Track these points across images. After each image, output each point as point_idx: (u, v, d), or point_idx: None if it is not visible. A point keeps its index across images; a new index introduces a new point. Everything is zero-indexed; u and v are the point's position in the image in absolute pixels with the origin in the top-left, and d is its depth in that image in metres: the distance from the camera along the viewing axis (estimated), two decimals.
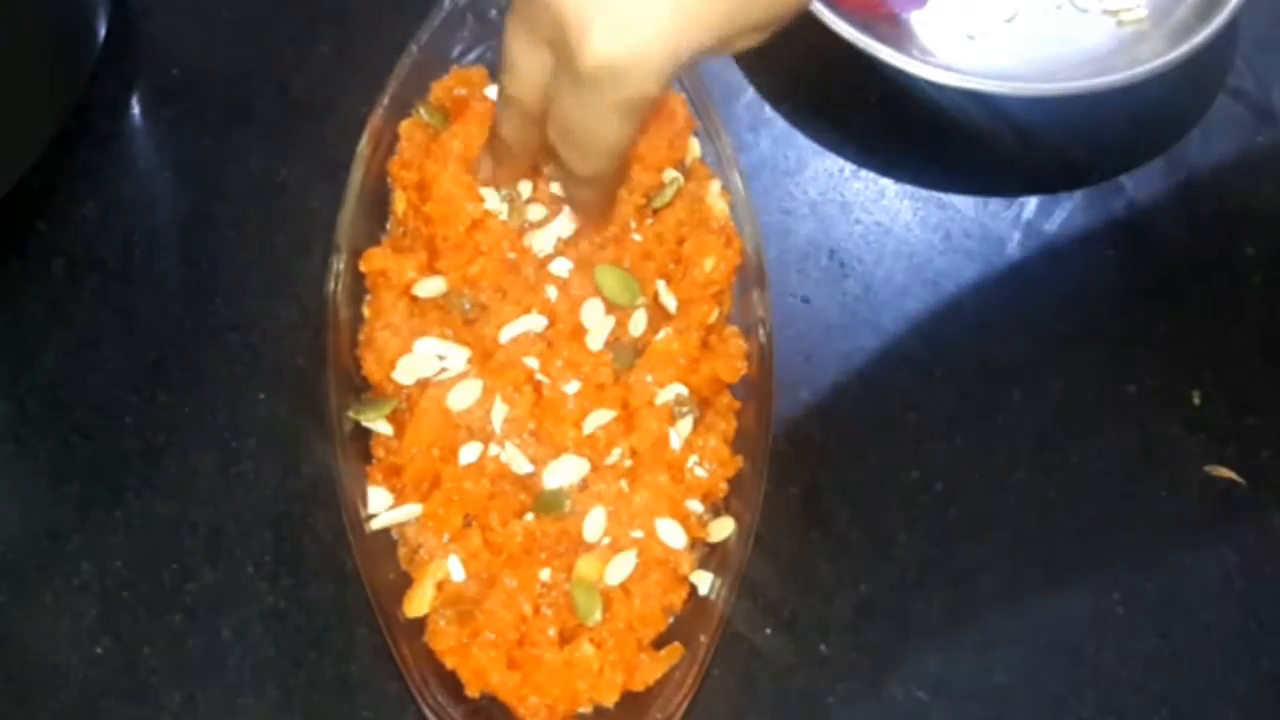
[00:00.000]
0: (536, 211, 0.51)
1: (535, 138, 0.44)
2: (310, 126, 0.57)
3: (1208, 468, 0.52)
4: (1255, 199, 0.58)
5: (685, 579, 0.47)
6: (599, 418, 0.48)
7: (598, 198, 0.48)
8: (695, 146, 0.53)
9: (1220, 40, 0.55)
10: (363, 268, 0.50)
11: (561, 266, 0.50)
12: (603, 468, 0.47)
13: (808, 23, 0.55)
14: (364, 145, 0.51)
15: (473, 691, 0.45)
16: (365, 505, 0.47)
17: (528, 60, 0.41)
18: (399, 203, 0.52)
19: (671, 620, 0.47)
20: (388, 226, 0.52)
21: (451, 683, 0.45)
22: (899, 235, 0.57)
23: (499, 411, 0.47)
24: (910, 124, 0.58)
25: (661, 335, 0.49)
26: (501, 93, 0.43)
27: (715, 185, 0.52)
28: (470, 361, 0.48)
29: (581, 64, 0.38)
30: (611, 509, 0.46)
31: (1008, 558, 0.51)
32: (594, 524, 0.46)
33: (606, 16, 0.37)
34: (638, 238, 0.51)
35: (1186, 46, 0.54)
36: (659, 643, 0.46)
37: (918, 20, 0.59)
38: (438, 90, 0.53)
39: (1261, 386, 0.54)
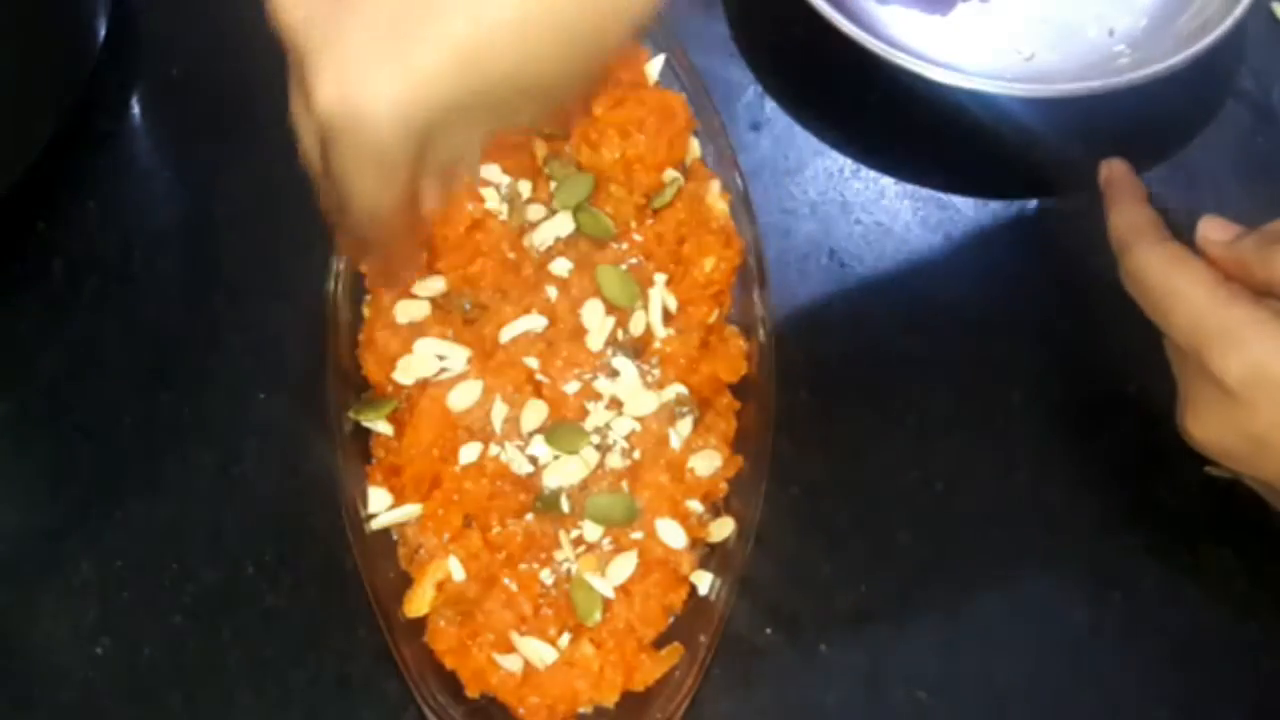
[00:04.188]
0: (536, 211, 0.51)
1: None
2: None
3: (1208, 468, 0.52)
4: (1255, 200, 0.58)
5: (685, 579, 0.47)
6: (599, 418, 0.48)
7: (385, 247, 0.42)
8: (695, 146, 0.53)
9: (1222, 42, 0.55)
10: (363, 268, 0.50)
11: (561, 266, 0.50)
12: (603, 468, 0.47)
13: (809, 21, 0.55)
14: None
15: (473, 691, 0.45)
16: (365, 505, 0.47)
17: (304, 123, 0.40)
18: None
19: (671, 620, 0.47)
20: None
21: (451, 683, 0.45)
22: (899, 235, 0.57)
23: (499, 411, 0.47)
24: (910, 124, 0.58)
25: (662, 335, 0.49)
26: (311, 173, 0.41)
27: (715, 185, 0.52)
28: (470, 361, 0.48)
29: (314, 111, 0.37)
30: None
31: (1008, 558, 0.51)
32: (594, 524, 0.46)
33: (330, 67, 0.36)
34: (638, 238, 0.51)
35: (1189, 53, 0.54)
36: (659, 643, 0.46)
37: (920, 21, 0.59)
38: None
39: None
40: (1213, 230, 0.45)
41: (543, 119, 0.39)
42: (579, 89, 0.38)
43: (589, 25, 0.36)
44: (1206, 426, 0.43)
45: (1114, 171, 0.49)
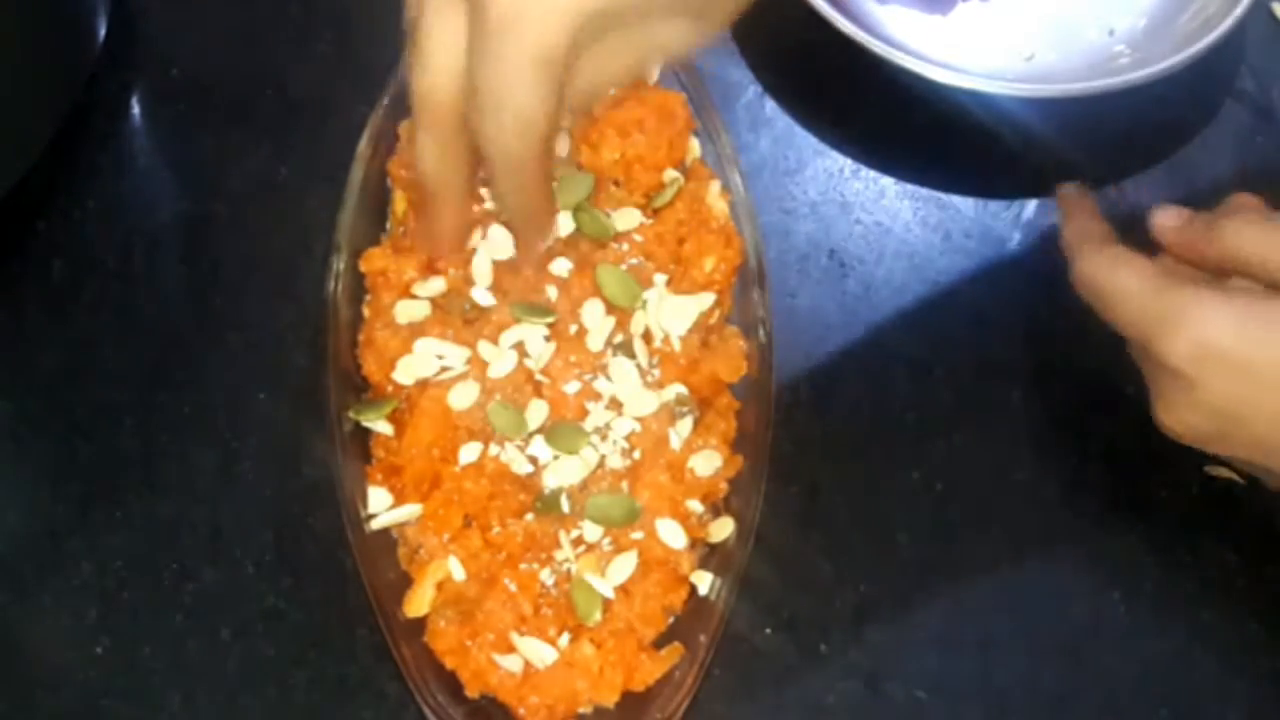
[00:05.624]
0: None
1: (464, 163, 0.40)
2: (310, 126, 0.57)
3: (1208, 468, 0.52)
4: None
5: (685, 579, 0.47)
6: (599, 418, 0.48)
7: (526, 202, 0.41)
8: (695, 146, 0.53)
9: (1222, 42, 0.55)
10: (363, 268, 0.50)
11: (561, 266, 0.50)
12: (603, 468, 0.47)
13: (809, 21, 0.55)
14: (364, 145, 0.51)
15: (473, 692, 0.45)
16: (365, 505, 0.47)
17: (444, 30, 0.37)
18: (399, 203, 0.52)
19: (671, 620, 0.47)
20: (388, 226, 0.53)
21: (451, 683, 0.45)
22: (899, 235, 0.57)
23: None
24: (910, 124, 0.58)
25: (661, 335, 0.49)
26: (416, 95, 0.39)
27: (715, 185, 0.52)
28: (470, 361, 0.48)
29: (490, 11, 0.36)
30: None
31: (1008, 558, 0.51)
32: (594, 524, 0.46)
33: None
34: (638, 238, 0.51)
35: (1188, 53, 0.54)
36: (659, 643, 0.46)
37: (920, 21, 0.59)
38: None
39: None
40: (1166, 217, 0.47)
41: (681, 52, 0.39)
42: (726, 15, 0.38)
43: None
44: (1174, 414, 0.45)
45: (1067, 190, 0.52)
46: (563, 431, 0.47)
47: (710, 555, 0.48)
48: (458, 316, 0.49)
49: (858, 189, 0.58)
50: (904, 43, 0.57)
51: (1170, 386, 0.44)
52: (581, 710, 0.46)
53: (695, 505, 0.47)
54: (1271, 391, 0.42)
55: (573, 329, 0.49)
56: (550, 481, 0.47)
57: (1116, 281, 0.45)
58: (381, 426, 0.48)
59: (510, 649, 0.45)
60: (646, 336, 0.49)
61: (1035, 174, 0.58)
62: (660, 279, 0.50)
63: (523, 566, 0.46)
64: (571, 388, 0.48)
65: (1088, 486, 0.53)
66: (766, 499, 0.48)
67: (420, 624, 0.46)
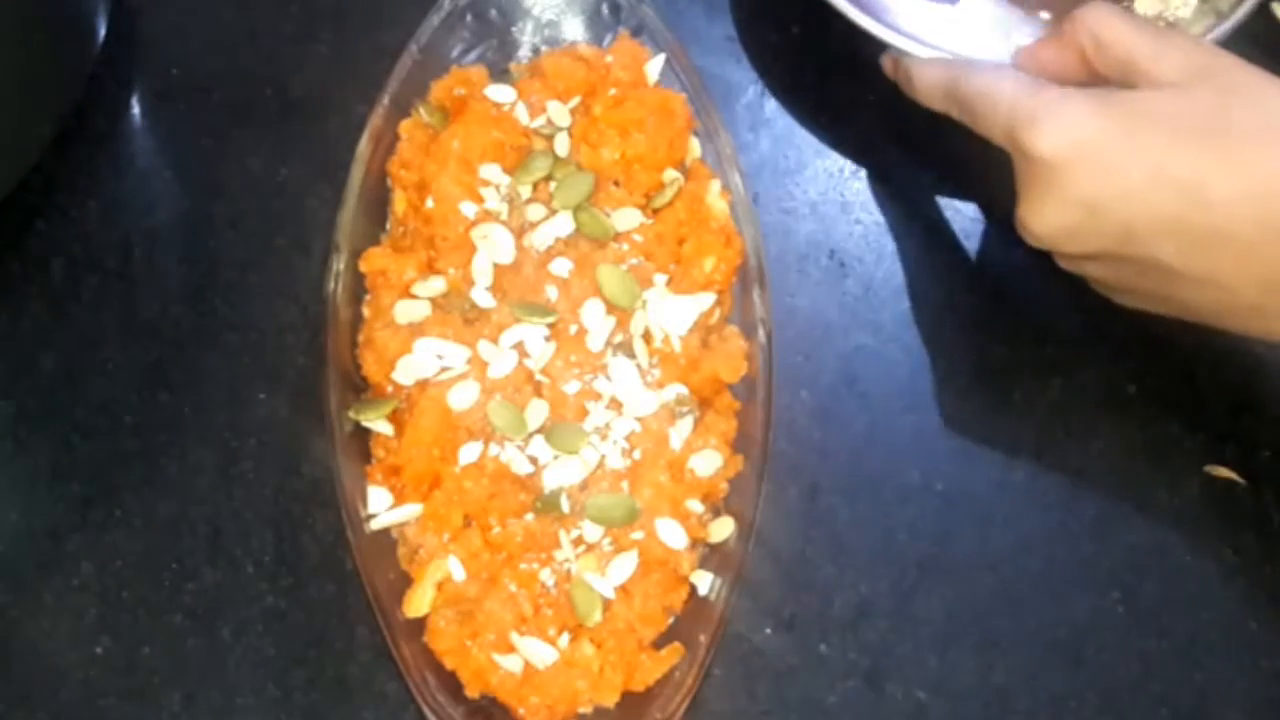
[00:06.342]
0: (536, 211, 0.51)
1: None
2: (310, 126, 0.57)
3: (1208, 468, 0.53)
4: None
5: (685, 579, 0.47)
6: (599, 418, 0.48)
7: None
8: (695, 146, 0.53)
9: (1221, 42, 0.55)
10: (363, 268, 0.50)
11: (561, 266, 0.50)
12: (603, 468, 0.47)
13: (809, 21, 0.55)
14: (364, 145, 0.51)
15: (473, 692, 0.45)
16: (365, 505, 0.47)
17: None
18: (399, 203, 0.52)
19: (671, 620, 0.47)
20: (388, 226, 0.53)
21: (451, 683, 0.45)
22: (899, 235, 0.57)
23: None
24: (910, 124, 0.58)
25: (661, 335, 0.49)
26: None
27: (715, 185, 0.52)
28: (470, 361, 0.48)
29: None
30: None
31: (1008, 558, 0.51)
32: (594, 524, 0.46)
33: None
34: (638, 238, 0.51)
35: None
36: (659, 643, 0.46)
37: (926, 12, 0.59)
38: (437, 90, 0.53)
39: (1261, 385, 0.54)
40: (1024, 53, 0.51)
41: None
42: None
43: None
44: (1041, 211, 0.47)
45: (894, 60, 0.54)
46: (563, 431, 0.47)
47: (710, 555, 0.48)
48: (458, 316, 0.49)
49: (858, 189, 0.58)
50: (912, 33, 0.56)
51: (1037, 181, 0.46)
52: (581, 710, 0.46)
53: (695, 505, 0.47)
54: (1130, 177, 0.45)
55: (573, 329, 0.49)
56: (550, 481, 0.47)
57: (991, 86, 0.48)
58: (381, 426, 0.48)
59: (510, 649, 0.45)
60: (646, 336, 0.49)
61: None
62: (660, 279, 0.50)
63: (523, 566, 0.46)
64: (571, 388, 0.48)
65: (1088, 486, 0.53)
66: (766, 499, 0.48)
67: (420, 624, 0.46)
